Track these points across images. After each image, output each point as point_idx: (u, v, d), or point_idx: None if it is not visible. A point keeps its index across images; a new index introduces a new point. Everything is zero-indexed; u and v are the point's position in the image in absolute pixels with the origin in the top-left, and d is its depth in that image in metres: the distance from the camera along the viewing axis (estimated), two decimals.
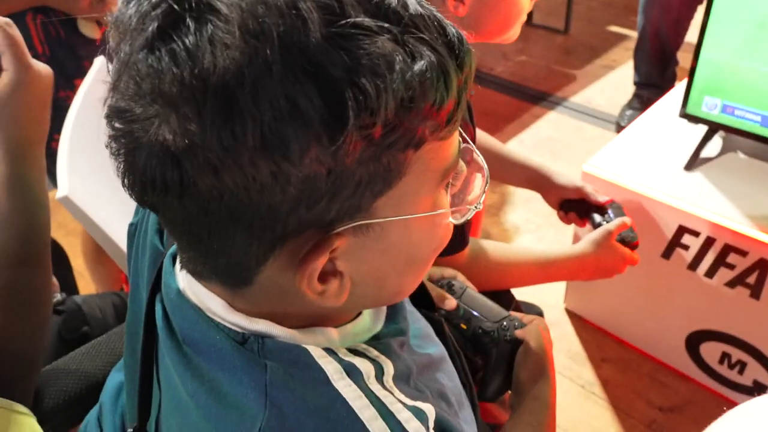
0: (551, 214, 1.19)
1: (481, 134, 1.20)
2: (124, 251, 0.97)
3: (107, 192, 1.03)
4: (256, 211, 0.35)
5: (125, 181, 0.37)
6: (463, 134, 0.46)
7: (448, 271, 0.84)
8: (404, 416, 0.42)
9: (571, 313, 1.64)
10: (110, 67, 0.36)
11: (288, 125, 0.33)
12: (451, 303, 0.78)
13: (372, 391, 0.42)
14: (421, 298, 0.71)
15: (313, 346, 0.43)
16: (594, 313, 1.60)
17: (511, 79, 2.68)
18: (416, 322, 0.56)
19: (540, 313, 1.60)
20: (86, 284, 1.57)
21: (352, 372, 0.43)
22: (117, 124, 0.35)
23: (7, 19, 0.64)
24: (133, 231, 0.60)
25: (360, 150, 0.34)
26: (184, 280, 0.46)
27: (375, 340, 0.48)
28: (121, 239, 0.95)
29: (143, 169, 0.35)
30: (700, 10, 1.93)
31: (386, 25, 0.34)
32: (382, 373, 0.44)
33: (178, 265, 0.48)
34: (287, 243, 0.38)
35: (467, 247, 0.93)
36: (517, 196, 2.02)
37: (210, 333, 0.43)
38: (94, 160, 1.04)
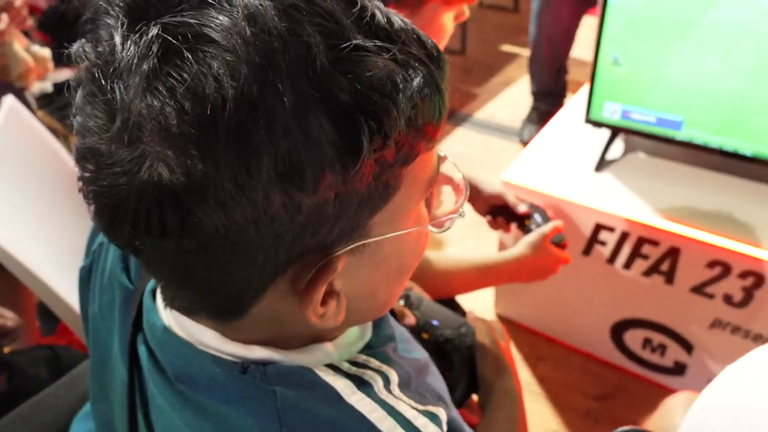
0: (471, 225, 1.23)
1: None
2: (60, 296, 0.92)
3: (35, 235, 0.96)
4: (262, 242, 0.34)
5: (101, 224, 0.34)
6: None
7: None
8: (422, 422, 0.42)
9: (502, 318, 1.70)
10: (77, 103, 0.34)
11: (303, 155, 0.32)
12: (410, 320, 0.79)
13: (386, 402, 0.42)
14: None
15: (316, 365, 0.42)
16: (524, 315, 1.67)
17: None
18: (398, 327, 0.57)
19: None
20: None
21: (362, 385, 0.43)
22: (90, 166, 0.33)
23: None
24: (86, 274, 0.57)
25: (373, 172, 0.34)
26: (168, 317, 0.45)
27: (369, 350, 0.48)
28: (55, 284, 0.90)
29: (134, 212, 0.32)
30: (586, 21, 2.11)
31: (382, 43, 0.34)
32: (389, 382, 0.44)
33: (159, 302, 0.46)
34: (288, 270, 0.37)
35: None
36: None
37: (207, 367, 0.41)
38: (16, 204, 0.97)
